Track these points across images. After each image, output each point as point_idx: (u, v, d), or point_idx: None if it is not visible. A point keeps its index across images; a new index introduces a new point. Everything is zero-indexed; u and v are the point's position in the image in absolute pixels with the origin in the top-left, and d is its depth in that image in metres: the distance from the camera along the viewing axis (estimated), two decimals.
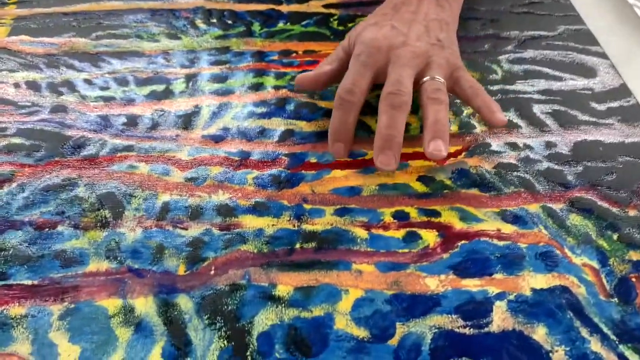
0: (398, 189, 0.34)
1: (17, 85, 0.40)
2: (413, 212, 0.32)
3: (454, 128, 0.37)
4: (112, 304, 0.29)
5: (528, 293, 0.29)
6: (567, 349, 0.27)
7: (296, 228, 0.32)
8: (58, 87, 0.40)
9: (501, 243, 0.31)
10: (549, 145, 0.36)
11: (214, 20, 0.46)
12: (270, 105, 0.39)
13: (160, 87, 0.40)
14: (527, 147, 0.36)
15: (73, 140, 0.36)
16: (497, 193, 0.33)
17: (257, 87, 0.40)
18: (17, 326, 0.28)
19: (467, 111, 0.38)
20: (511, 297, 0.29)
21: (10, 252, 0.31)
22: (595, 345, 0.27)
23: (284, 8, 0.47)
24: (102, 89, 0.40)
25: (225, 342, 0.27)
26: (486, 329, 0.27)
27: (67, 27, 0.45)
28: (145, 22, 0.46)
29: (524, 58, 0.42)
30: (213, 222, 0.32)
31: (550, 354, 0.26)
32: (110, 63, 0.42)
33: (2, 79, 0.41)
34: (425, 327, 0.27)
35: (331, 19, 0.46)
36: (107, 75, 0.41)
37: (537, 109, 0.39)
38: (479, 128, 0.37)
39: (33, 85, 0.40)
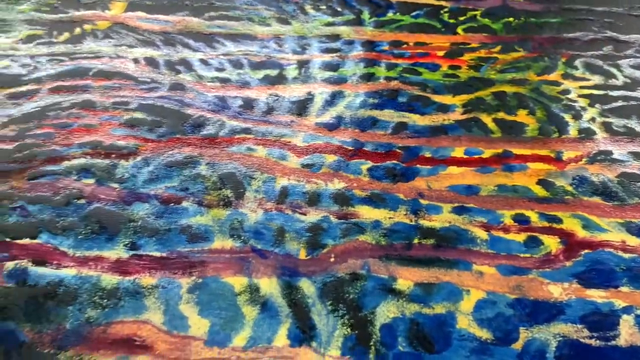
0: (518, 192, 0.33)
1: (136, 61, 0.41)
2: (534, 217, 0.32)
3: (573, 133, 0.36)
4: (237, 282, 0.29)
5: None
6: None
7: (413, 223, 0.32)
8: (175, 65, 0.41)
9: (627, 255, 0.30)
10: None
11: (323, 7, 0.46)
12: (382, 96, 0.39)
13: (273, 72, 0.41)
14: None
15: (193, 119, 0.37)
16: (620, 203, 0.32)
17: (368, 77, 0.40)
18: (149, 295, 0.29)
19: (586, 116, 0.37)
20: (639, 312, 0.28)
21: (139, 223, 0.32)
22: None
23: None
24: (218, 70, 0.41)
25: (349, 329, 0.28)
26: (613, 342, 0.27)
27: (181, 6, 0.46)
28: (256, 5, 0.46)
29: None
30: (330, 209, 0.32)
31: None
32: (224, 45, 0.43)
33: (122, 54, 0.42)
34: (550, 334, 0.27)
35: (442, 11, 0.46)
36: (221, 56, 0.42)
37: None
38: (599, 134, 0.36)
39: (151, 62, 0.41)
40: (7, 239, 0.31)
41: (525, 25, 0.44)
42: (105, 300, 0.29)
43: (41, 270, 0.30)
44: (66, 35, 0.44)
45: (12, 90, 0.39)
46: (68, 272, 0.30)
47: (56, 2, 0.42)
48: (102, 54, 0.41)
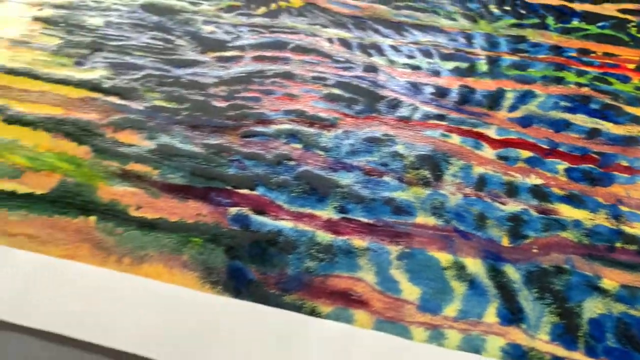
0: None
1: (330, 41, 0.44)
2: None
3: None
4: (443, 257, 0.31)
5: None
6: None
7: (615, 227, 0.32)
8: (367, 48, 0.43)
9: None
10: None
11: (507, 8, 0.47)
12: (574, 100, 0.39)
13: (463, 65, 0.42)
14: None
15: (387, 100, 0.39)
16: None
17: (558, 80, 0.41)
18: (361, 256, 0.31)
19: None
20: None
21: (346, 190, 0.34)
22: None
23: (577, 6, 0.47)
24: (409, 57, 0.43)
25: (557, 318, 0.29)
26: None
27: None
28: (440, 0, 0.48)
29: None
30: (529, 203, 0.33)
31: None
32: (412, 34, 0.44)
33: (316, 33, 0.44)
34: None
35: (628, 25, 0.45)
36: (411, 44, 0.43)
37: None
38: None
39: (345, 43, 0.44)
40: (229, 187, 0.34)
41: None
42: (322, 254, 0.31)
43: (261, 218, 0.32)
44: (263, 9, 0.47)
45: (219, 54, 0.43)
46: (285, 224, 0.32)
47: None
48: (297, 30, 0.44)
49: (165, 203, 0.33)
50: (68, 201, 0.33)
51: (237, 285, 0.30)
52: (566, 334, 0.28)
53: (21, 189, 0.34)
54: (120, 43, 0.43)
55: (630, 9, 0.47)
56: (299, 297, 0.29)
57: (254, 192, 0.34)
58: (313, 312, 0.29)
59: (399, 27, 0.45)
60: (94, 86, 0.40)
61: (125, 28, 0.45)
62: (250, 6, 0.47)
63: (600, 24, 0.46)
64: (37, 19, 0.45)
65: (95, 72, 0.41)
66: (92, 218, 0.32)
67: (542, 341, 0.28)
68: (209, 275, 0.30)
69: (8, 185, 0.34)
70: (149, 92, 0.40)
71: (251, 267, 0.30)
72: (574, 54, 0.43)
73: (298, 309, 0.29)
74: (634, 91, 0.40)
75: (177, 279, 0.30)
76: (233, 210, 0.33)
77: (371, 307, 0.29)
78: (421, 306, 0.29)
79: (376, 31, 0.45)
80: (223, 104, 0.39)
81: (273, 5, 0.47)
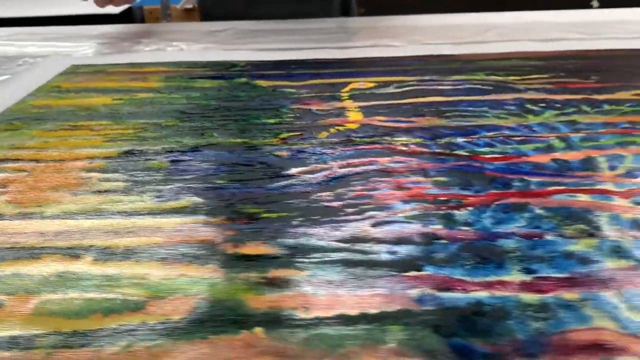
0: None
1: (405, 145, 0.44)
2: None
3: None
4: None
5: None
6: None
7: None
8: (445, 147, 0.44)
9: None
10: None
11: (543, 105, 0.51)
12: None
13: (541, 145, 0.43)
14: None
15: (496, 178, 0.39)
16: None
17: (632, 143, 0.43)
18: (583, 307, 0.27)
19: None
20: None
21: (517, 254, 0.31)
22: None
23: (598, 96, 0.52)
24: (488, 146, 0.43)
25: None
26: None
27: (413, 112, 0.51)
28: (480, 106, 0.51)
29: None
30: None
31: None
32: (477, 131, 0.46)
33: (388, 140, 0.45)
34: None
35: None
36: (482, 138, 0.45)
37: None
38: None
39: (421, 145, 0.44)
40: (394, 273, 0.30)
41: None
42: (542, 314, 0.27)
43: (450, 294, 0.28)
44: (324, 133, 0.47)
45: (303, 168, 0.41)
46: (480, 294, 0.28)
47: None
48: (369, 143, 0.44)
49: (330, 299, 0.28)
50: (219, 319, 0.27)
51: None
52: None
53: (150, 318, 0.27)
54: (192, 176, 0.40)
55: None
56: (552, 359, 0.24)
57: (424, 273, 0.30)
58: None
59: (462, 128, 0.47)
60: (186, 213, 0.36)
61: (193, 163, 0.42)
62: (311, 133, 0.47)
63: (628, 104, 0.50)
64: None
65: (180, 202, 0.37)
66: (258, 329, 0.26)
67: None
68: (434, 358, 0.24)
69: (134, 318, 0.27)
70: (249, 209, 0.36)
71: (476, 341, 0.25)
72: (627, 126, 0.46)
73: None
74: None
75: None
76: (414, 292, 0.28)
77: (631, 350, 0.24)
78: None
79: (443, 133, 0.46)
80: (336, 204, 0.36)
81: (332, 130, 0.48)
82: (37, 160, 0.44)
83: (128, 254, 0.32)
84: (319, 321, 0.27)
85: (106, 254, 0.32)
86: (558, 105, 0.51)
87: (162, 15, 1.62)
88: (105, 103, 0.55)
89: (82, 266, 0.31)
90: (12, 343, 0.26)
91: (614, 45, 0.68)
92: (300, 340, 0.26)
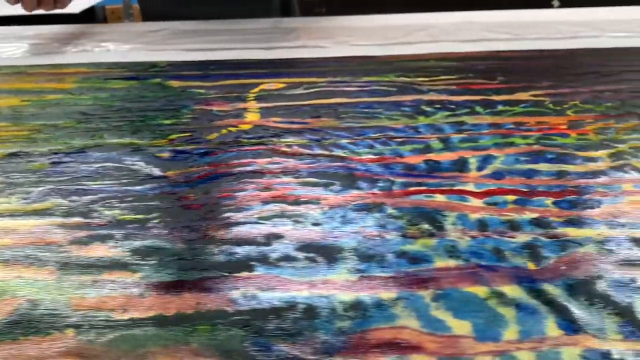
0: None
1: (289, 146, 0.45)
2: None
3: None
4: (479, 290, 0.29)
5: None
6: None
7: (625, 236, 0.32)
8: (327, 147, 0.44)
9: None
10: None
11: (438, 106, 0.51)
12: (530, 155, 0.42)
13: (419, 146, 0.44)
14: None
15: (363, 179, 0.39)
16: None
17: (509, 144, 0.44)
18: (394, 306, 0.28)
19: None
20: None
21: (353, 253, 0.32)
22: None
23: (496, 98, 0.53)
24: (369, 147, 0.44)
25: (619, 317, 0.26)
26: None
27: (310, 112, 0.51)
28: (377, 107, 0.51)
29: None
30: (536, 232, 0.33)
31: None
32: (364, 133, 0.47)
33: (273, 142, 0.45)
34: None
35: (544, 102, 0.51)
36: (366, 139, 0.45)
37: None
38: None
39: (304, 146, 0.44)
40: (225, 274, 0.30)
41: (624, 105, 0.49)
42: (351, 313, 0.27)
43: (271, 294, 0.29)
44: (214, 134, 0.47)
45: (181, 171, 0.41)
46: (299, 294, 0.29)
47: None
48: (253, 144, 0.45)
49: (155, 300, 0.29)
50: (34, 321, 0.27)
51: None
52: (637, 329, 0.26)
53: None
54: (66, 178, 0.41)
55: (540, 94, 0.54)
56: (344, 357, 0.25)
57: (254, 273, 0.30)
58: None
59: (350, 130, 0.47)
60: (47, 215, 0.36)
61: (72, 165, 0.43)
62: (201, 134, 0.47)
63: (522, 105, 0.51)
64: None
65: (44, 204, 0.38)
66: (70, 330, 0.27)
67: (616, 340, 0.25)
68: (229, 357, 0.25)
69: None
70: (110, 210, 0.36)
71: (276, 340, 0.26)
72: (511, 127, 0.47)
73: None
74: (577, 141, 0.44)
75: None
76: (236, 292, 0.29)
77: (426, 349, 0.25)
78: (478, 337, 0.26)
79: (330, 134, 0.47)
80: (197, 205, 0.37)
81: (223, 131, 0.48)
82: None
83: None
84: (133, 322, 0.27)
85: None
86: (452, 107, 0.51)
87: (125, 15, 1.61)
88: (11, 104, 0.56)
89: None
90: None
91: (538, 46, 0.69)
92: (105, 341, 0.26)
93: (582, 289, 0.28)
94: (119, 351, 0.25)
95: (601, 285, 0.29)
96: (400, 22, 0.83)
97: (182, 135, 0.47)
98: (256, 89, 0.58)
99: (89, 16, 1.55)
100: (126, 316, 0.28)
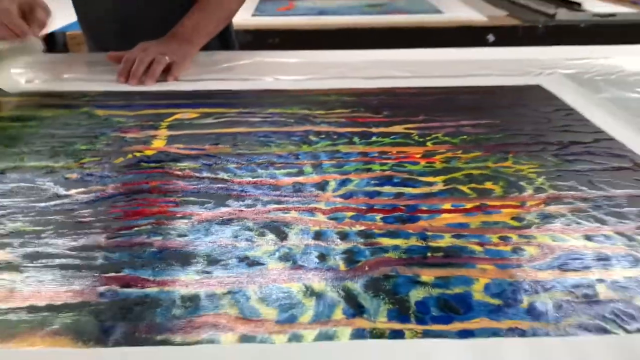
0: (498, 224, 0.43)
1: (181, 170, 0.52)
2: (515, 236, 0.41)
3: (529, 192, 0.48)
4: (294, 286, 0.36)
5: (621, 279, 0.37)
6: None
7: (424, 245, 0.41)
8: (215, 171, 0.52)
9: (589, 252, 0.40)
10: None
11: (323, 136, 0.60)
12: (380, 179, 0.50)
13: (293, 170, 0.52)
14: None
15: (234, 197, 0.47)
16: (577, 226, 0.43)
17: (367, 170, 0.52)
18: (223, 298, 0.35)
19: (537, 182, 0.49)
20: (608, 281, 0.36)
21: (204, 258, 0.39)
22: None
23: (375, 130, 0.62)
24: (251, 171, 0.52)
25: (391, 306, 0.34)
26: (594, 299, 0.35)
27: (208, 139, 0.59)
28: (271, 137, 0.60)
29: None
30: (357, 241, 0.41)
31: None
32: (251, 159, 0.55)
33: (169, 166, 0.53)
34: (547, 298, 0.35)
35: (412, 134, 0.60)
36: (252, 164, 0.53)
37: None
38: (549, 191, 0.48)
39: (195, 170, 0.52)
40: (96, 274, 0.38)
41: (477, 139, 0.58)
42: (187, 303, 0.35)
43: (128, 290, 0.36)
44: (120, 159, 0.55)
45: (83, 189, 0.49)
46: (151, 290, 0.36)
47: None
48: (151, 168, 0.52)
49: (31, 294, 0.36)
50: None
51: (107, 338, 0.32)
52: (400, 314, 0.34)
53: None
54: None
55: (411, 127, 0.62)
56: (168, 336, 0.32)
57: (121, 274, 0.38)
58: (183, 344, 0.32)
59: (240, 156, 0.55)
60: None
61: None
62: (110, 158, 0.55)
63: (392, 137, 0.60)
64: None
65: None
66: None
67: (381, 322, 0.33)
68: (81, 336, 0.32)
69: None
70: (13, 223, 0.43)
71: (120, 324, 0.33)
72: (375, 155, 0.55)
73: (168, 344, 0.32)
74: (423, 168, 0.52)
75: (49, 343, 0.32)
76: (101, 288, 0.36)
77: (236, 329, 0.33)
78: (279, 320, 0.33)
79: (222, 160, 0.54)
80: (88, 220, 0.44)
81: (129, 156, 0.55)
82: None
83: None
84: (10, 310, 0.34)
85: None
86: (335, 137, 0.60)
87: (85, 40, 1.68)
88: None
89: None
90: None
91: (430, 83, 0.78)
92: None
93: (374, 285, 0.36)
94: None
95: (389, 282, 0.37)
96: (317, 59, 0.92)
97: (92, 159, 0.55)
98: (170, 118, 0.66)
99: (49, 41, 1.61)
100: (6, 305, 0.35)
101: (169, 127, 0.63)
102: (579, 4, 1.74)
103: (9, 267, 0.38)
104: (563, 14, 1.68)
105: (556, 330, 0.33)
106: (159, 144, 0.59)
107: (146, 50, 0.81)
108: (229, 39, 1.07)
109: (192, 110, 0.68)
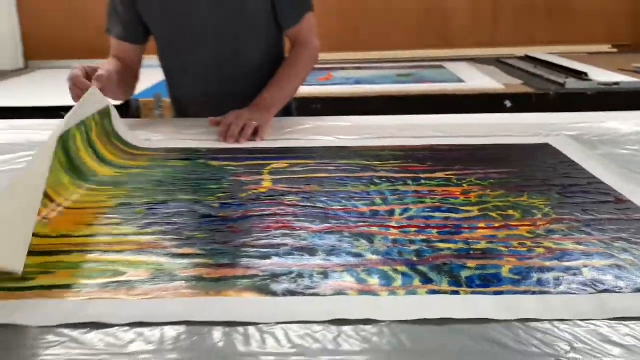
0: (517, 236, 0.63)
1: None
2: (528, 242, 0.62)
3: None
4: (385, 268, 0.57)
5: (599, 266, 0.57)
6: None
7: (468, 247, 0.61)
8: (314, 201, 0.74)
9: (579, 251, 0.60)
10: None
11: (384, 180, 0.82)
12: (432, 208, 0.71)
13: (368, 202, 0.73)
14: None
15: (331, 219, 0.68)
16: (572, 237, 0.63)
17: (422, 202, 0.73)
18: (342, 274, 0.56)
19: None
20: (590, 267, 0.56)
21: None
22: None
23: (422, 176, 0.83)
24: (339, 202, 0.74)
25: (449, 278, 0.55)
26: (580, 277, 0.55)
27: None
28: (346, 180, 0.81)
29: None
30: (422, 245, 0.62)
31: None
32: (336, 194, 0.76)
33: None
34: (550, 275, 0.55)
35: (451, 179, 0.81)
36: (338, 198, 0.75)
37: None
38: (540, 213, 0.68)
39: (300, 201, 0.74)
40: None
41: (500, 182, 0.79)
42: None
43: None
44: (244, 194, 0.77)
45: None
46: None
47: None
48: None
49: (221, 272, 0.57)
50: None
51: (277, 292, 0.53)
52: (456, 283, 0.54)
53: None
54: (158, 217, 0.70)
55: (450, 174, 0.84)
56: (315, 292, 0.53)
57: (270, 260, 0.59)
58: (324, 296, 0.52)
59: (328, 193, 0.77)
60: None
61: (159, 210, 0.72)
62: (236, 194, 0.77)
63: (437, 180, 0.81)
64: None
65: (150, 229, 0.66)
66: None
67: (444, 287, 0.54)
68: (262, 291, 0.53)
69: None
70: (187, 232, 0.65)
71: (283, 285, 0.54)
72: (426, 193, 0.77)
73: (315, 296, 0.52)
74: (462, 202, 0.73)
75: (248, 295, 0.53)
76: (261, 268, 0.57)
77: (354, 289, 0.53)
78: (380, 284, 0.54)
79: (315, 195, 0.76)
80: (237, 230, 0.66)
81: (249, 192, 0.78)
82: (64, 208, 0.73)
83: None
84: (221, 278, 0.55)
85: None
86: (393, 180, 0.82)
87: (155, 107, 1.96)
88: (108, 174, 0.86)
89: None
90: None
91: (461, 142, 1.00)
92: None
93: (436, 268, 0.57)
94: None
95: (447, 267, 0.57)
96: (367, 123, 1.16)
97: (224, 194, 0.77)
98: (268, 167, 0.88)
99: (125, 106, 1.90)
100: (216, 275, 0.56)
101: (270, 173, 0.86)
102: (586, 74, 1.97)
103: (201, 256, 0.60)
104: (572, 83, 1.91)
105: (555, 292, 0.53)
106: (267, 184, 0.81)
107: (238, 117, 1.05)
108: (290, 107, 1.31)
109: (282, 162, 0.91)
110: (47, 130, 1.07)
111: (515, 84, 1.96)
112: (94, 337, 0.46)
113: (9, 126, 1.19)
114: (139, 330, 0.47)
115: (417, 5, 2.66)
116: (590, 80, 1.92)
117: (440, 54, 2.63)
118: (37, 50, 2.68)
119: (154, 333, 0.47)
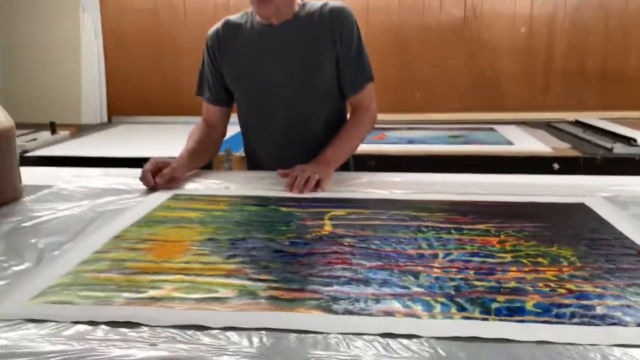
0: (544, 279, 0.74)
1: None
2: (552, 284, 0.73)
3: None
4: (427, 298, 0.69)
5: (610, 304, 0.67)
6: None
7: (499, 286, 0.72)
8: (369, 244, 0.87)
9: (596, 292, 0.70)
10: None
11: (430, 229, 0.94)
12: (471, 254, 0.83)
13: (415, 246, 0.86)
14: None
15: (383, 257, 0.81)
16: (592, 281, 0.73)
17: (462, 248, 0.85)
18: (392, 300, 0.69)
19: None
20: (603, 306, 0.67)
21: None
22: None
23: (464, 227, 0.95)
24: (390, 245, 0.87)
25: (480, 308, 0.66)
26: (593, 312, 0.65)
27: None
28: (396, 227, 0.94)
29: None
30: (460, 282, 0.74)
31: None
32: (387, 238, 0.89)
33: None
34: (567, 311, 0.65)
35: (490, 230, 0.93)
36: (389, 242, 0.88)
37: None
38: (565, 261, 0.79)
39: (356, 243, 0.87)
40: None
41: (534, 235, 0.90)
42: None
43: None
44: (309, 235, 0.91)
45: None
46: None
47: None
48: None
49: (294, 295, 0.71)
50: None
51: (334, 311, 0.66)
52: (486, 312, 0.66)
53: None
54: (239, 250, 0.85)
55: (490, 226, 0.95)
56: (369, 312, 0.66)
57: (331, 287, 0.72)
58: (376, 315, 0.65)
59: (381, 237, 0.90)
60: None
61: (241, 245, 0.87)
62: (303, 235, 0.91)
63: (476, 231, 0.93)
64: None
65: (233, 260, 0.81)
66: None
67: (476, 315, 0.65)
68: (324, 309, 0.66)
69: None
70: (264, 263, 0.80)
71: (340, 307, 0.67)
72: (467, 241, 0.89)
73: (367, 315, 0.65)
74: (498, 249, 0.85)
75: (310, 313, 0.66)
76: (321, 293, 0.71)
77: (401, 313, 0.66)
78: (422, 309, 0.66)
79: (370, 239, 0.89)
80: (306, 263, 0.80)
81: (314, 234, 0.92)
82: (162, 241, 0.89)
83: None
84: (295, 299, 0.69)
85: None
86: (438, 229, 0.94)
87: (225, 160, 2.16)
88: (196, 215, 1.02)
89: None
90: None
91: (499, 199, 1.11)
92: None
93: (470, 300, 0.68)
94: None
95: (479, 300, 0.68)
96: (417, 179, 1.29)
97: (292, 234, 0.92)
98: (329, 214, 1.03)
99: None
100: (287, 297, 0.70)
101: (330, 219, 1.00)
102: (634, 140, 2.04)
103: (276, 281, 0.74)
104: (619, 148, 1.98)
105: (569, 322, 0.63)
106: (328, 228, 0.95)
107: (303, 170, 1.21)
108: (348, 163, 1.47)
109: (341, 210, 1.05)
110: (132, 178, 1.26)
111: (563, 148, 2.04)
112: (199, 335, 0.61)
113: (104, 173, 1.39)
114: (229, 333, 0.61)
115: (468, 70, 2.80)
116: (638, 145, 1.99)
117: (492, 117, 2.75)
118: (120, 107, 2.99)
119: (241, 336, 0.61)
